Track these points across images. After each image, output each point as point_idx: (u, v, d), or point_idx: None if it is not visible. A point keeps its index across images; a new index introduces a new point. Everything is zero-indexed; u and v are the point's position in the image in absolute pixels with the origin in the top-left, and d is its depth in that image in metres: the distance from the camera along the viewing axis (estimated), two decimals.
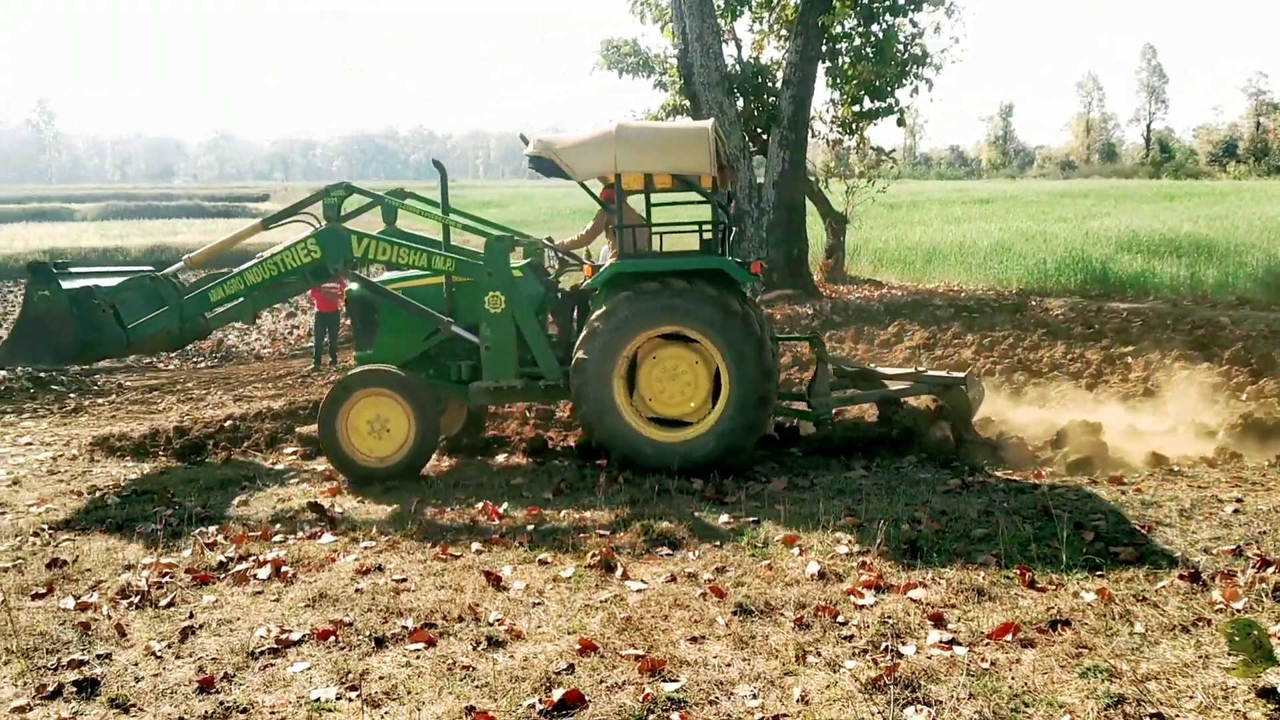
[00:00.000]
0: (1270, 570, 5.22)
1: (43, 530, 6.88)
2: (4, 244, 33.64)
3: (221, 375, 14.06)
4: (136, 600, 5.47)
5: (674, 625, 4.94)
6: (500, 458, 8.95)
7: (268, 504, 7.54)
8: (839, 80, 19.47)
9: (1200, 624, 4.71)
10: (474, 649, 4.72)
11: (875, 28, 18.92)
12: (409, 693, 4.29)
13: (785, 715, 4.01)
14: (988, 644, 4.59)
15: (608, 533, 6.47)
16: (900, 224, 30.04)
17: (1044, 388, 11.12)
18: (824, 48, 18.56)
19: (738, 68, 19.37)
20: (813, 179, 20.49)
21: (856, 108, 19.77)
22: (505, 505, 7.21)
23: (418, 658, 4.64)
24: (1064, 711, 3.94)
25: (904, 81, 19.27)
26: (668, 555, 6.06)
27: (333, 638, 4.87)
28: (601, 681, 4.33)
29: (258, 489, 7.97)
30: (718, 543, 6.22)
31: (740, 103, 18.67)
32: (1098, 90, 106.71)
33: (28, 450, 9.69)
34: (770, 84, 19.28)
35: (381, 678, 4.44)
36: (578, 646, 4.67)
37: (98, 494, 7.89)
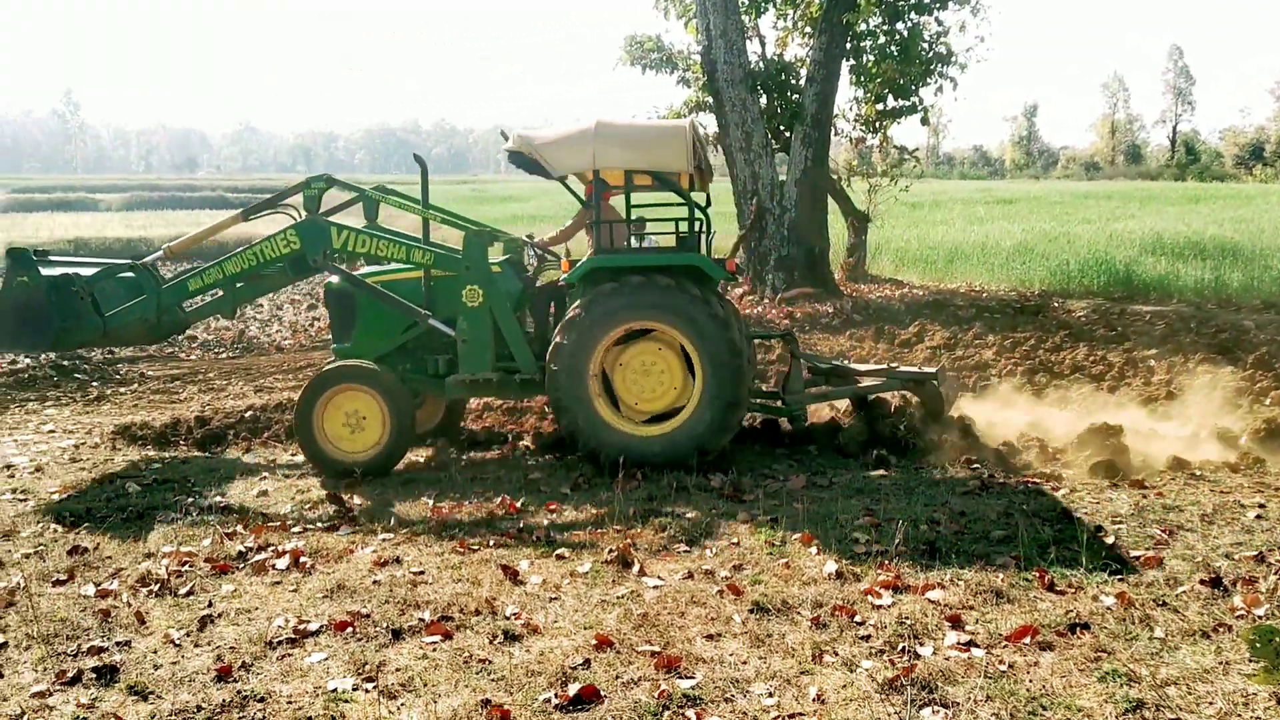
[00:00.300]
0: None
1: (65, 517, 6.93)
2: (30, 233, 33.84)
3: (242, 366, 14.12)
4: (156, 588, 5.51)
5: (690, 622, 4.94)
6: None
7: (287, 495, 7.57)
8: (863, 78, 19.37)
9: (1221, 630, 4.68)
10: (490, 642, 4.73)
11: (900, 26, 18.81)
12: (425, 685, 4.30)
13: (801, 714, 4.00)
14: (1006, 646, 4.57)
15: (625, 528, 6.48)
16: (922, 223, 29.91)
17: (1065, 389, 11.05)
18: (848, 45, 18.46)
19: (761, 65, 19.32)
20: (835, 177, 20.40)
21: (880, 106, 19.67)
22: (523, 500, 7.22)
23: (434, 650, 4.66)
24: (1082, 715, 3.92)
25: (928, 80, 19.16)
26: (685, 552, 6.06)
27: (350, 629, 4.89)
28: (617, 677, 4.33)
29: (277, 480, 8.01)
30: (735, 540, 6.21)
31: (763, 100, 18.62)
32: (1123, 91, 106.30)
33: (51, 438, 9.76)
34: (794, 81, 19.22)
35: (398, 669, 4.46)
36: (594, 642, 4.67)
37: (119, 482, 7.94)
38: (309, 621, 4.99)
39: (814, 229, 18.11)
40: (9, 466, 8.48)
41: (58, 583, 5.66)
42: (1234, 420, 9.21)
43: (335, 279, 8.67)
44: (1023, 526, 6.19)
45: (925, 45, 18.91)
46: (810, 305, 16.22)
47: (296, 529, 6.64)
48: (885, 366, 9.52)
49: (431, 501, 7.22)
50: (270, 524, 6.73)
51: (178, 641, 4.81)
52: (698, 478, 7.68)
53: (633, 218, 8.44)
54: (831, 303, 16.32)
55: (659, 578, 5.58)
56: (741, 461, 8.36)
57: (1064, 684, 4.18)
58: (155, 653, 4.70)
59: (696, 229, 8.29)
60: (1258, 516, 6.42)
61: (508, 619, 5.00)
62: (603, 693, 4.17)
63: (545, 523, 6.70)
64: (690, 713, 4.01)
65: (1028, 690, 4.13)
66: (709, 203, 8.73)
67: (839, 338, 14.34)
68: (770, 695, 4.16)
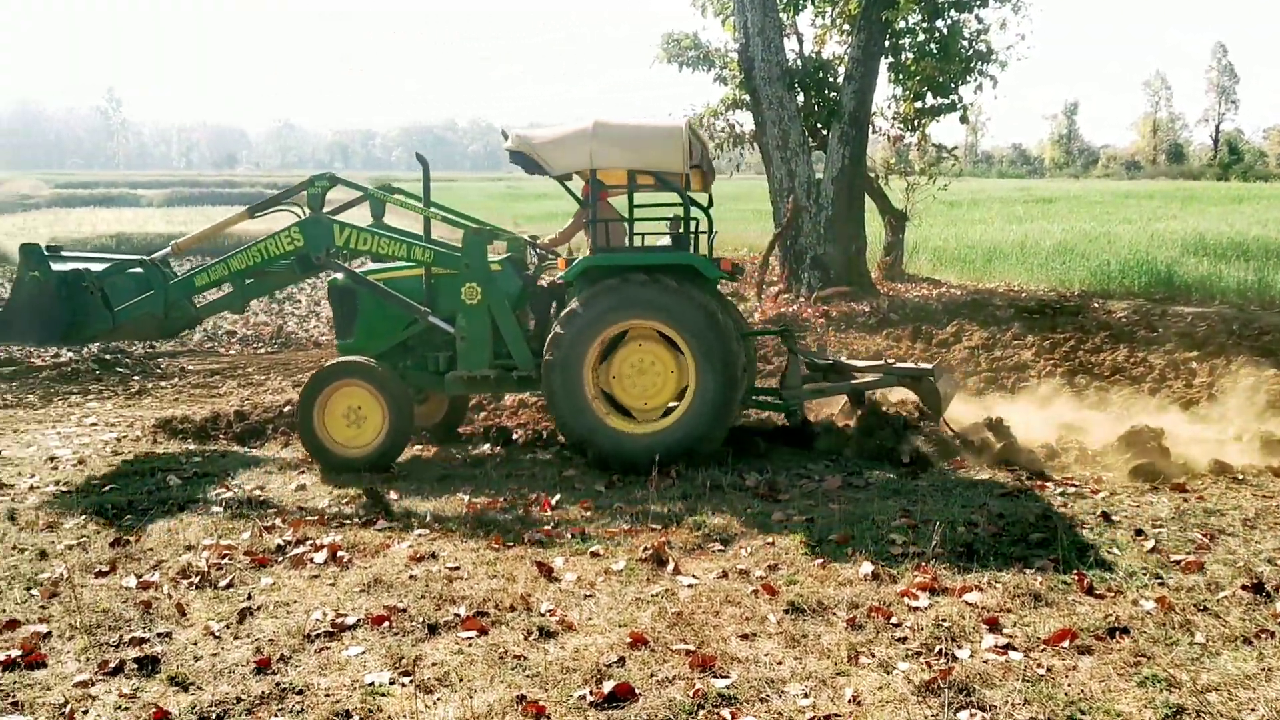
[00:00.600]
0: None
1: (107, 509, 7.03)
2: (73, 228, 34.36)
3: (281, 361, 14.26)
4: (196, 580, 5.57)
5: (725, 621, 4.93)
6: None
7: (324, 489, 7.64)
8: (901, 76, 19.23)
9: (1263, 636, 4.62)
10: (525, 639, 4.75)
11: (940, 23, 18.66)
12: (461, 680, 4.33)
13: (837, 715, 3.99)
14: (1044, 650, 4.54)
15: (659, 527, 6.48)
16: (960, 222, 29.68)
17: (1106, 391, 10.94)
18: (887, 43, 18.34)
19: (799, 62, 19.23)
20: (872, 175, 20.28)
21: (919, 104, 19.52)
22: (558, 497, 7.24)
23: (470, 645, 4.68)
24: None
25: (968, 78, 19.00)
26: (719, 551, 6.05)
27: (387, 623, 4.92)
28: (652, 675, 4.33)
29: (315, 474, 8.08)
30: (770, 540, 6.19)
31: (800, 97, 18.54)
32: (1165, 90, 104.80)
33: (93, 430, 9.90)
34: (831, 79, 19.12)
35: (434, 664, 4.48)
36: (628, 639, 4.68)
37: (160, 475, 8.04)
38: (346, 615, 5.03)
39: (851, 227, 18.01)
40: (53, 458, 8.61)
41: (100, 574, 5.74)
42: (1277, 424, 9.07)
43: (339, 276, 8.80)
44: (1061, 529, 6.14)
45: (965, 43, 18.74)
46: (846, 304, 16.14)
47: (334, 523, 6.70)
48: (882, 363, 9.50)
49: (467, 498, 7.26)
50: (308, 518, 6.79)
51: (217, 633, 4.86)
52: (733, 477, 7.67)
53: (636, 219, 8.49)
54: (868, 302, 16.23)
55: (694, 576, 5.58)
56: (777, 461, 8.35)
57: (1103, 688, 4.14)
58: (195, 644, 4.75)
59: (695, 228, 8.36)
60: None
61: (542, 615, 5.02)
62: (637, 690, 4.18)
63: (580, 520, 6.72)
64: (725, 712, 4.00)
65: (1066, 694, 4.09)
66: (711, 202, 8.82)
67: (875, 337, 14.26)
68: (805, 696, 4.14)
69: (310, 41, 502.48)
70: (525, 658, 4.53)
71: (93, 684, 4.34)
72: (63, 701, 4.17)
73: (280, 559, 5.96)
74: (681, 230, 8.35)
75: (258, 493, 7.52)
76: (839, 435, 8.87)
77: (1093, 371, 11.95)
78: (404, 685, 4.28)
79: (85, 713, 4.10)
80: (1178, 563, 5.62)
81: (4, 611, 5.18)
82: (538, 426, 9.71)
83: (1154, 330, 13.86)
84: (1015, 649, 4.53)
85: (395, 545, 6.19)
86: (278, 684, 4.29)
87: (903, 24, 18.18)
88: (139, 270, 9.03)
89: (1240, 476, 7.53)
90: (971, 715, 3.93)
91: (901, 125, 20.34)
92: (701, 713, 4.02)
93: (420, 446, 9.14)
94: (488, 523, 6.65)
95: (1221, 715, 3.90)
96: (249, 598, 5.33)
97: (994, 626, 4.78)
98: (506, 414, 10.22)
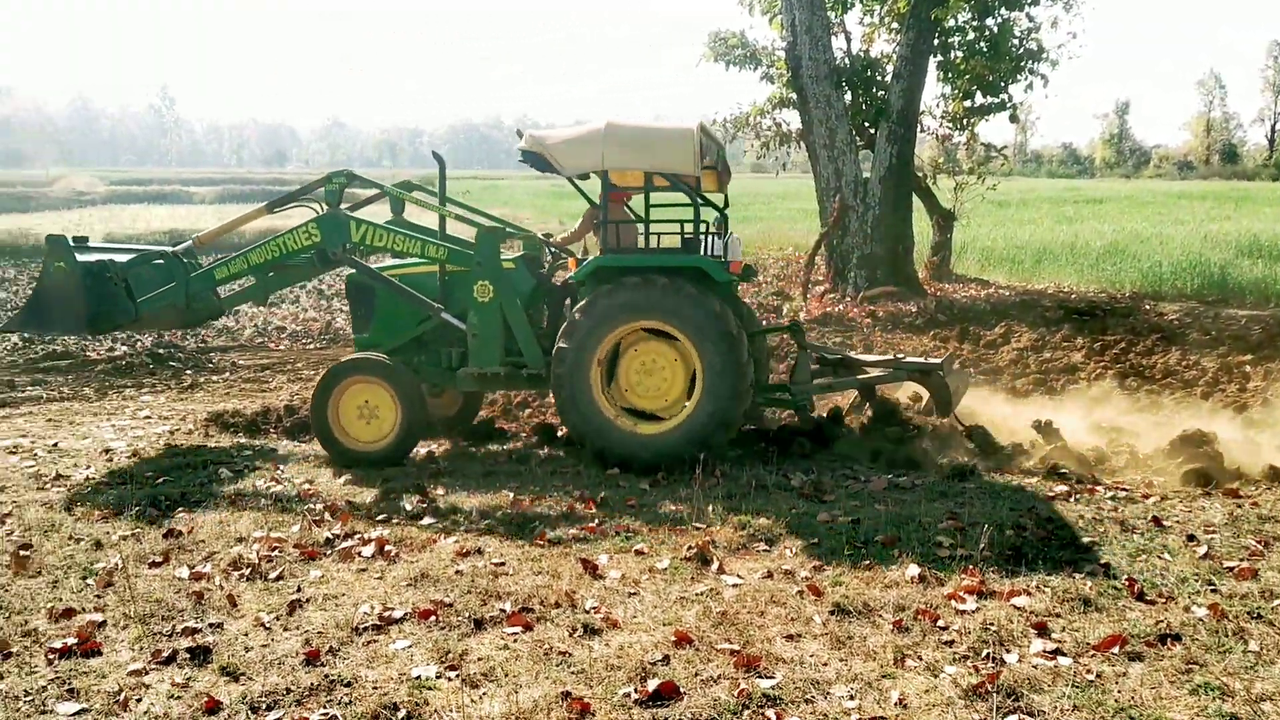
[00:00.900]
0: None
1: (160, 501, 7.14)
2: (127, 224, 34.92)
3: (330, 357, 14.39)
4: (247, 572, 5.66)
5: (770, 622, 4.93)
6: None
7: (371, 484, 7.71)
8: (950, 74, 19.07)
9: None
10: (570, 635, 4.77)
11: (990, 21, 18.48)
12: (506, 675, 4.35)
13: (883, 718, 3.97)
14: (1093, 655, 4.49)
15: (704, 526, 6.48)
16: (1009, 222, 29.38)
17: (1157, 395, 10.78)
18: (936, 41, 18.20)
19: (847, 61, 19.12)
20: (920, 174, 20.12)
21: (968, 103, 19.34)
22: (602, 494, 7.26)
23: (515, 641, 4.71)
24: None
25: (1018, 77, 18.81)
26: (764, 551, 6.04)
27: (433, 617, 4.96)
28: (696, 674, 4.34)
29: (362, 469, 8.15)
30: (815, 540, 6.17)
31: (848, 96, 18.44)
32: (1219, 89, 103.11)
33: (147, 423, 10.07)
34: (880, 78, 18.99)
35: (480, 659, 4.52)
36: (673, 638, 4.68)
37: (211, 468, 8.15)
38: (394, 609, 5.08)
39: (898, 227, 17.90)
40: (108, 451, 8.77)
41: (154, 564, 5.84)
42: None
43: (355, 272, 8.90)
44: (1111, 534, 6.06)
45: (1015, 41, 18.56)
46: (893, 304, 16.04)
47: (381, 517, 6.77)
48: (891, 357, 9.42)
49: (512, 494, 7.30)
50: (356, 512, 6.86)
51: (268, 625, 4.93)
52: (778, 477, 7.65)
53: (652, 220, 8.49)
54: (915, 302, 16.12)
55: (738, 576, 5.58)
56: (822, 461, 8.31)
57: (1153, 695, 4.09)
58: (246, 635, 4.82)
59: (707, 229, 8.37)
60: None
61: (587, 613, 5.04)
62: (682, 689, 4.18)
63: (624, 518, 6.73)
64: (770, 712, 4.00)
65: (1116, 701, 4.05)
66: (727, 204, 8.84)
67: (922, 337, 14.16)
68: (851, 698, 4.13)
69: (390, 40, 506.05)
70: (570, 654, 4.55)
71: (146, 672, 4.42)
72: (117, 689, 4.25)
73: (329, 552, 6.03)
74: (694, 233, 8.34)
75: (307, 486, 7.61)
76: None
77: (1144, 374, 11.79)
78: (450, 679, 4.31)
79: (139, 701, 4.17)
80: (1231, 569, 5.54)
81: (61, 600, 5.29)
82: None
83: (1207, 333, 13.64)
84: (1064, 654, 4.49)
85: (441, 540, 6.24)
86: (326, 676, 4.34)
87: (952, 22, 18.01)
88: (161, 262, 9.24)
89: None
90: None
91: (950, 124, 20.18)
92: (746, 713, 4.02)
93: (465, 443, 9.20)
94: (532, 519, 6.69)
95: None
96: (298, 590, 5.40)
97: (1042, 631, 4.73)
98: (551, 412, 10.25)
